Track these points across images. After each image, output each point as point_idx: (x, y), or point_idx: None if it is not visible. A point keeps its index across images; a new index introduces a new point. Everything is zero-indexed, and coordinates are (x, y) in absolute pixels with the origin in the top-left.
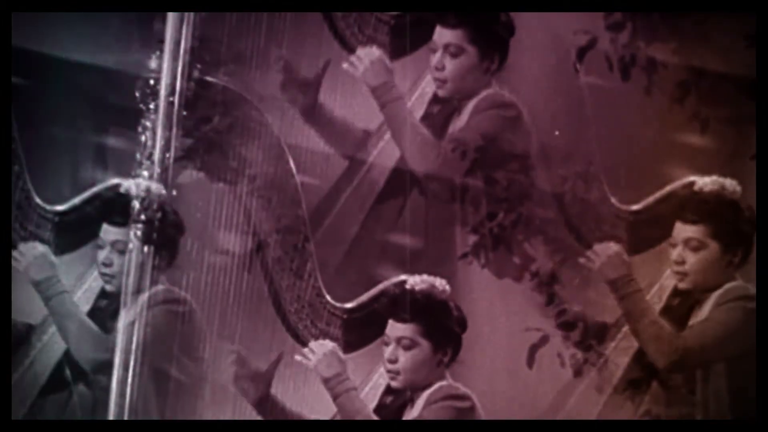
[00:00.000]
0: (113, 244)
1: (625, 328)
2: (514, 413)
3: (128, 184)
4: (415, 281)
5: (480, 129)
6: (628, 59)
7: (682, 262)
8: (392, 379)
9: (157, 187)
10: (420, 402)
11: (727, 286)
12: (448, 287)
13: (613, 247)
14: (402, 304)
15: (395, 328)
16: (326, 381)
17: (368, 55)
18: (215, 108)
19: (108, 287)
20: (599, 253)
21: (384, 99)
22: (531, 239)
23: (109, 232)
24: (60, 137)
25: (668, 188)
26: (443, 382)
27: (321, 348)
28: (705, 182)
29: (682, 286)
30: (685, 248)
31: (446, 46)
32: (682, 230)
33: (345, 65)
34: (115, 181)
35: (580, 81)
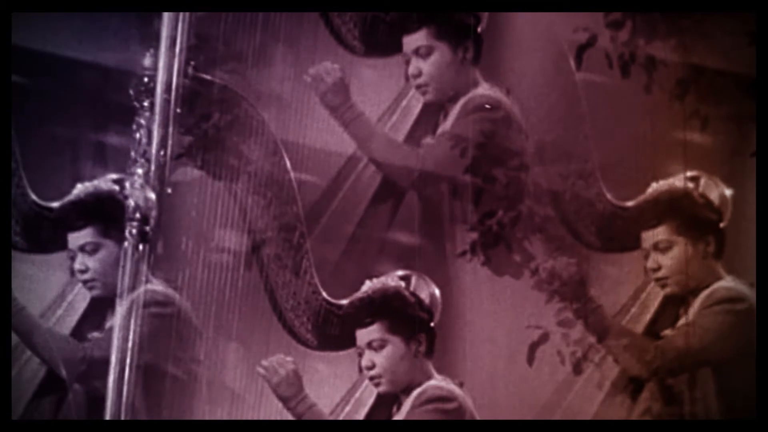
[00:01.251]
0: (82, 248)
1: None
2: (514, 410)
3: (83, 188)
4: (368, 286)
5: (466, 131)
6: (627, 57)
7: (658, 268)
8: (377, 385)
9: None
10: (406, 406)
11: (715, 286)
12: (402, 283)
13: (570, 267)
14: (362, 310)
15: (362, 335)
16: (286, 400)
17: (329, 74)
18: (215, 105)
19: (93, 293)
20: (557, 273)
21: (345, 118)
22: (531, 237)
23: (74, 239)
24: (59, 135)
25: (661, 183)
26: (430, 382)
27: (282, 367)
28: (654, 186)
29: (668, 291)
30: (656, 252)
31: (416, 50)
32: (648, 237)
33: (306, 78)
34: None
35: (579, 78)
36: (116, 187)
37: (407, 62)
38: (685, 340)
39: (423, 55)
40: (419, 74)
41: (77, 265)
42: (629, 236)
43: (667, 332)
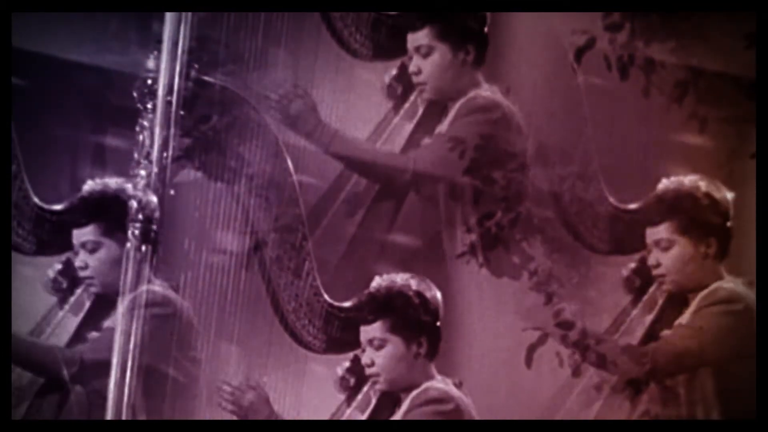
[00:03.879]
0: (83, 245)
1: (623, 327)
2: (512, 413)
3: (92, 185)
4: (378, 281)
5: (465, 134)
6: (626, 59)
7: (658, 265)
8: (375, 383)
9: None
10: (404, 406)
11: (713, 287)
12: (412, 281)
13: None
14: (366, 306)
15: (365, 332)
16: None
17: (295, 99)
18: (214, 107)
19: (92, 290)
20: None
21: (323, 141)
22: (529, 238)
23: (77, 235)
24: (59, 137)
25: (672, 180)
26: (429, 383)
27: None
28: (664, 183)
29: (667, 288)
30: (657, 250)
31: (417, 49)
32: (651, 234)
33: (270, 104)
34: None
35: (578, 81)
36: (124, 187)
37: (409, 59)
38: (682, 341)
39: (423, 54)
40: (419, 72)
41: (78, 262)
42: (630, 238)
43: (665, 332)
